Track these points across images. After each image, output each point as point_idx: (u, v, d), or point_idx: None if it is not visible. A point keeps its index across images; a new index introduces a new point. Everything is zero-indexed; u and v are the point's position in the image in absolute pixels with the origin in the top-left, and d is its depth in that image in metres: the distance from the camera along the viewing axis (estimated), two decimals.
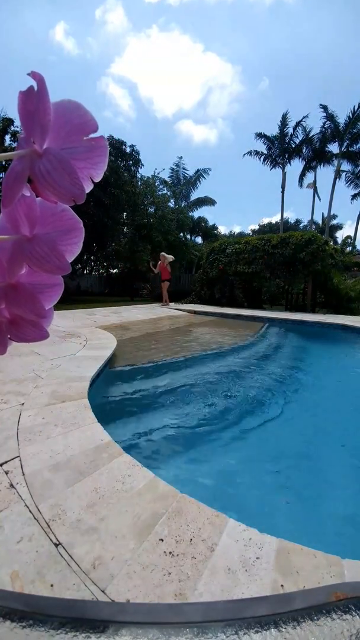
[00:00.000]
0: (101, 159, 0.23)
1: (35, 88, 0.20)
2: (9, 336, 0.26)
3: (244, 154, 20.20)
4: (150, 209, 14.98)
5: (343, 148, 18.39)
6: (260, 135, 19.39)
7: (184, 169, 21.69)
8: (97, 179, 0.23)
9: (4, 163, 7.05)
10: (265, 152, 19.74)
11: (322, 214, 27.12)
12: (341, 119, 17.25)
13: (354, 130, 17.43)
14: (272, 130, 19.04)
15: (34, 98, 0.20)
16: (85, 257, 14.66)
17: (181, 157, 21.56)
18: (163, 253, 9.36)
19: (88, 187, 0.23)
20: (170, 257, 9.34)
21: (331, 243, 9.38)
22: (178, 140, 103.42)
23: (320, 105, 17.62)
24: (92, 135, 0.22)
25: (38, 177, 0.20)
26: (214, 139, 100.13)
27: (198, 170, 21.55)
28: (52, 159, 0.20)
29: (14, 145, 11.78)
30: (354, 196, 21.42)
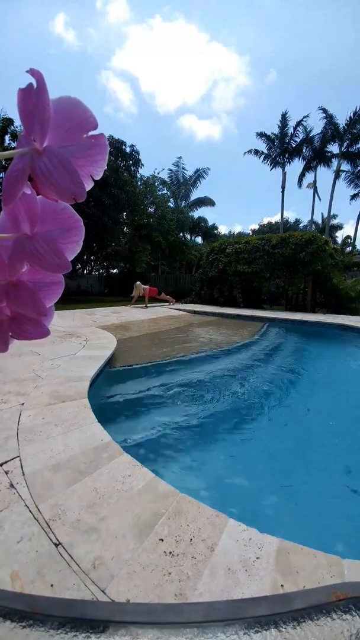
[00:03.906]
0: (101, 156, 0.22)
1: (35, 85, 0.20)
2: (10, 334, 0.26)
3: (245, 153, 20.19)
4: (150, 209, 14.99)
5: (343, 148, 18.38)
6: (261, 135, 19.38)
7: (183, 168, 21.71)
8: (97, 177, 0.23)
9: (3, 163, 7.03)
10: (265, 151, 19.74)
11: (322, 214, 27.08)
12: (346, 116, 17.14)
13: (354, 131, 17.40)
14: (277, 127, 18.93)
15: (33, 96, 0.20)
16: (85, 257, 14.69)
17: (180, 157, 21.59)
18: (137, 283, 9.46)
19: (88, 185, 0.23)
20: (146, 286, 9.53)
21: (331, 243, 9.37)
22: (180, 136, 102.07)
23: (319, 107, 17.62)
24: (91, 133, 0.22)
25: (39, 175, 0.20)
26: (218, 135, 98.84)
27: (198, 170, 21.57)
28: (52, 157, 0.20)
29: (14, 145, 11.78)
30: (354, 196, 21.39)
